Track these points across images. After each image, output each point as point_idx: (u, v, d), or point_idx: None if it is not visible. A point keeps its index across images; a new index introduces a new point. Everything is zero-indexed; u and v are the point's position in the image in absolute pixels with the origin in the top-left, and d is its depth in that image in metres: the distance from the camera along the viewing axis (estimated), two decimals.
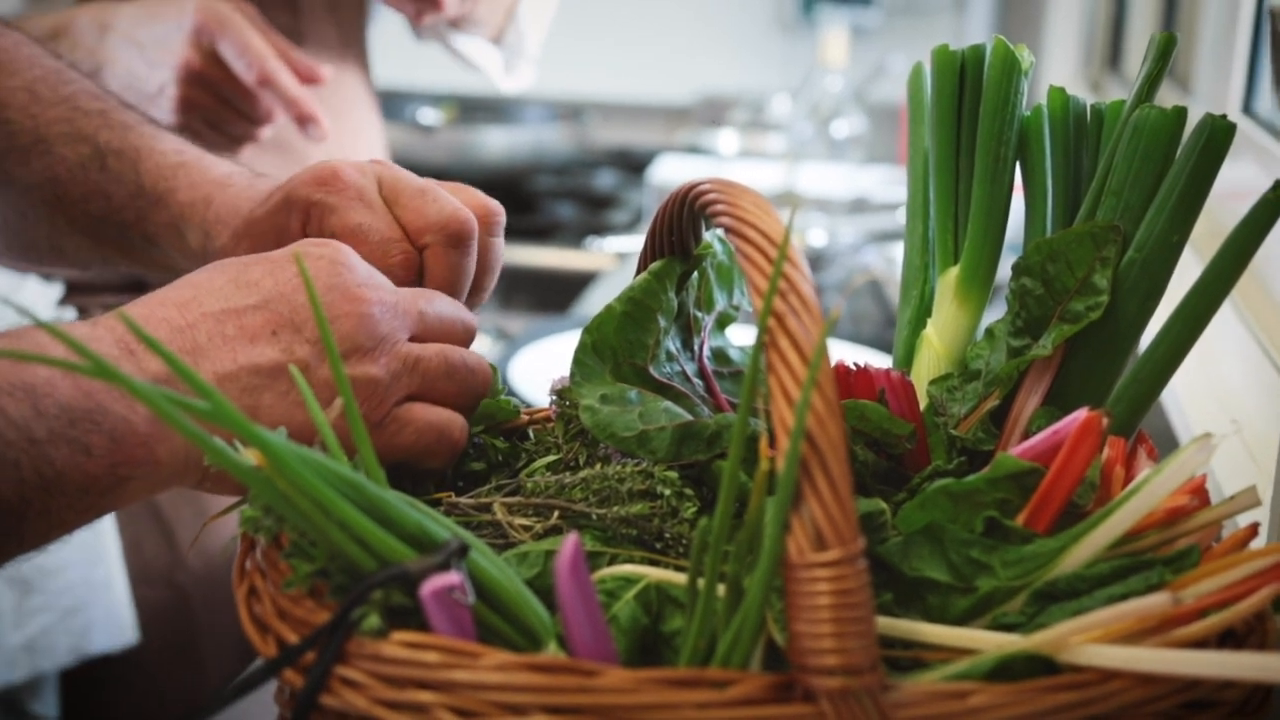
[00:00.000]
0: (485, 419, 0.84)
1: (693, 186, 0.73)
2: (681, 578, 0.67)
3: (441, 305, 0.82)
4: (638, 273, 0.83)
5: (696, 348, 0.85)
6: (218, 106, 1.38)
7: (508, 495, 0.78)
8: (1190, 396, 1.19)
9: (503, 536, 0.75)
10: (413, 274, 0.87)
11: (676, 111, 3.62)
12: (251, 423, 0.60)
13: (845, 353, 1.28)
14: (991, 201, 0.83)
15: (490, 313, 2.45)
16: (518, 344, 1.81)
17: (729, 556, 0.60)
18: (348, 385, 0.66)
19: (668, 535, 0.73)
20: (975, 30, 3.42)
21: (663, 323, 0.81)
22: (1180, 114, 0.77)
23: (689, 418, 0.77)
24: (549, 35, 1.74)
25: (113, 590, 1.41)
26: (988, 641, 0.62)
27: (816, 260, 2.36)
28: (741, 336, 0.89)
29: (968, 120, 0.85)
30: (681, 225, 0.81)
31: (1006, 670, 0.60)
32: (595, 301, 2.24)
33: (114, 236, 1.00)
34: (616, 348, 0.79)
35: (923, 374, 0.84)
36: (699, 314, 0.85)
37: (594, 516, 0.74)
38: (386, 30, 1.80)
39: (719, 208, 0.67)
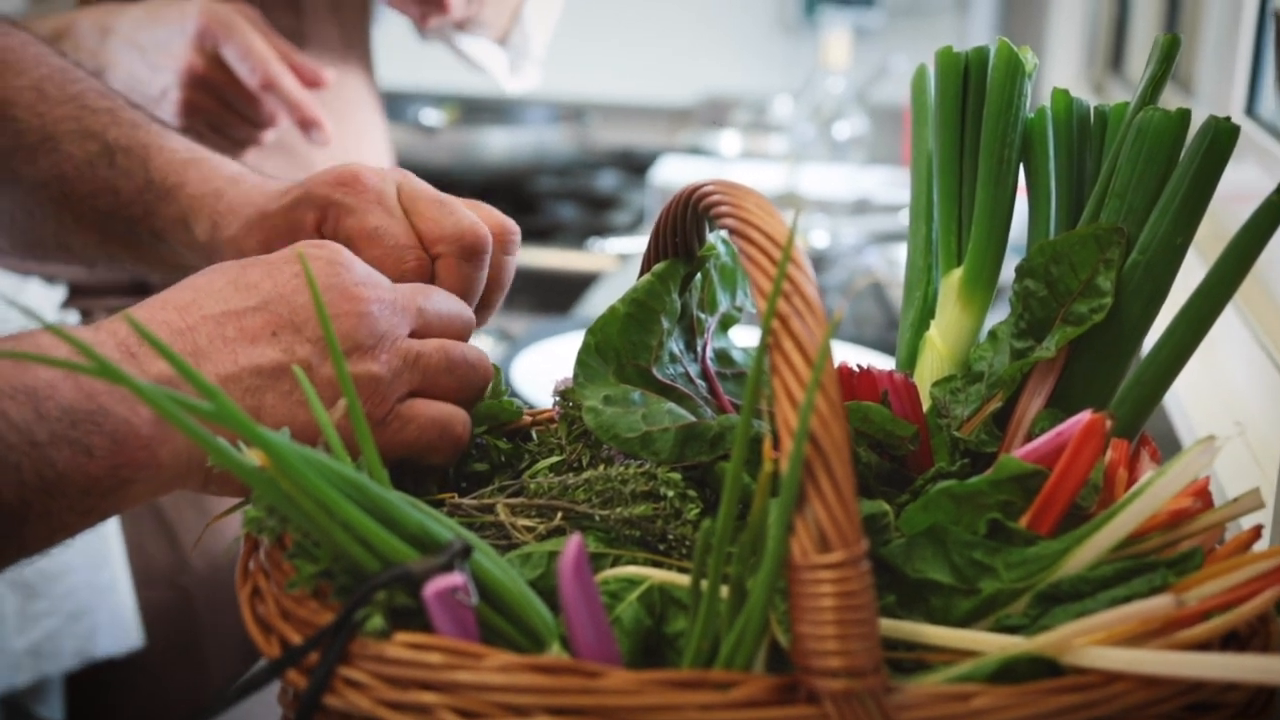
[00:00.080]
0: (488, 420, 0.84)
1: (696, 188, 0.73)
2: (685, 579, 0.67)
3: (439, 300, 0.82)
4: (641, 274, 0.83)
5: (700, 349, 0.85)
6: (220, 110, 1.38)
7: (511, 496, 0.78)
8: (1193, 399, 1.19)
9: (506, 537, 0.75)
10: (424, 281, 0.87)
11: (678, 113, 3.62)
12: (255, 423, 0.60)
13: (848, 354, 1.28)
14: (995, 203, 0.83)
15: None
16: (520, 345, 1.81)
17: (732, 558, 0.60)
18: (351, 384, 0.66)
19: (671, 537, 0.73)
20: (977, 31, 3.42)
21: (666, 324, 0.81)
22: (1184, 116, 0.77)
23: (692, 419, 0.77)
24: (552, 36, 1.74)
25: (117, 593, 1.41)
26: (991, 643, 0.62)
27: (818, 261, 2.36)
28: (745, 338, 0.89)
29: (971, 122, 0.85)
30: (685, 227, 0.81)
31: (1010, 672, 0.60)
32: (597, 302, 2.24)
33: (121, 232, 1.00)
34: (620, 349, 0.79)
35: (926, 376, 0.84)
36: (702, 315, 0.85)
37: (597, 518, 0.74)
38: (389, 31, 1.80)
39: (723, 209, 0.67)
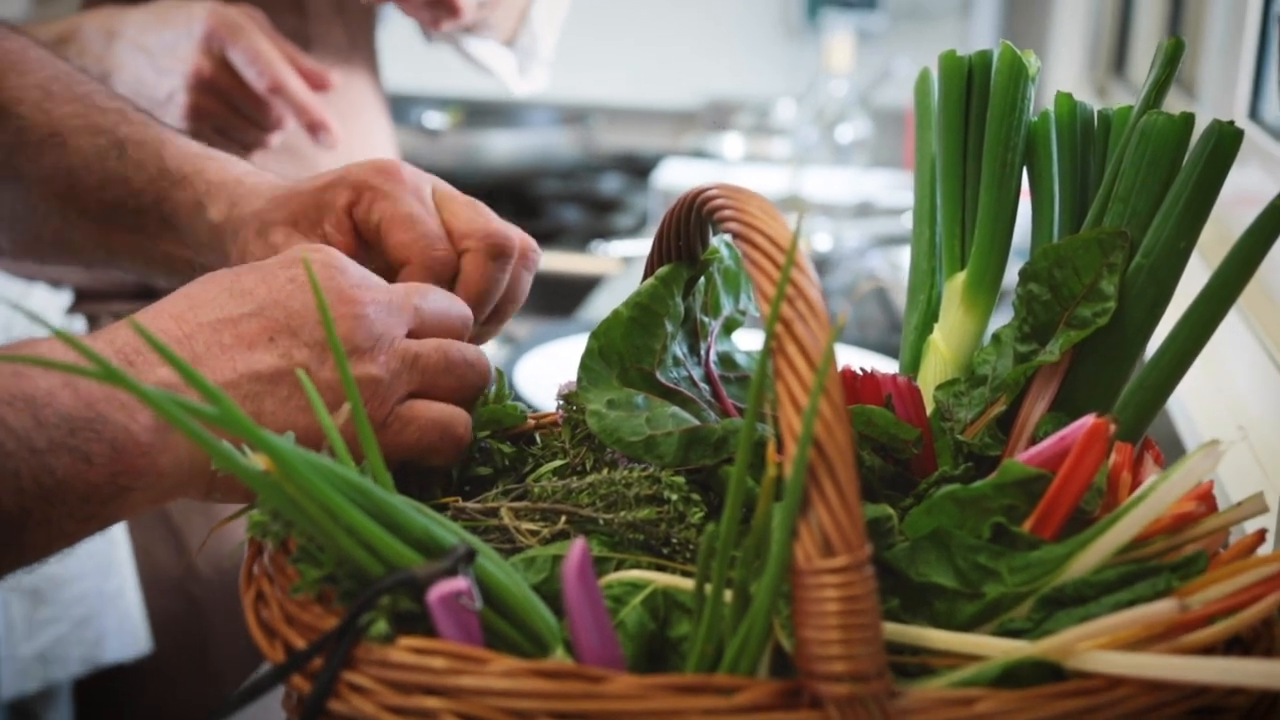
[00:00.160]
0: (492, 424, 0.84)
1: (700, 192, 0.73)
2: (688, 583, 0.67)
3: (436, 299, 0.82)
4: (644, 278, 0.83)
5: (703, 353, 0.85)
6: (228, 113, 1.38)
7: (515, 500, 0.78)
8: (1197, 403, 1.19)
9: (509, 541, 0.75)
10: (450, 273, 0.89)
11: (682, 116, 3.62)
12: (258, 428, 0.60)
13: (851, 357, 1.28)
14: (998, 207, 0.83)
15: None
16: (523, 348, 1.81)
17: (736, 562, 0.60)
18: (354, 387, 0.66)
19: (675, 540, 0.73)
20: (980, 35, 3.42)
21: (669, 328, 0.81)
22: (1188, 120, 0.77)
23: (696, 423, 0.77)
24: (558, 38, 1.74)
25: (125, 599, 1.41)
26: (995, 647, 0.62)
27: (821, 265, 2.36)
28: (748, 341, 0.89)
29: (975, 126, 0.85)
30: (689, 231, 0.81)
31: (1013, 676, 0.60)
32: (600, 305, 2.24)
33: (126, 224, 1.00)
34: (623, 353, 0.79)
35: (929, 379, 0.84)
36: (705, 319, 0.85)
37: (601, 521, 0.74)
38: (393, 34, 1.80)
39: (726, 213, 0.67)
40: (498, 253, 0.90)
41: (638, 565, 0.72)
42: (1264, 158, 1.31)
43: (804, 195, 2.61)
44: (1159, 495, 0.65)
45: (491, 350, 2.05)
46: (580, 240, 2.76)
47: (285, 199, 0.93)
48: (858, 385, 0.79)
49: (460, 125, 3.23)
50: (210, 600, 1.48)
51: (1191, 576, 0.63)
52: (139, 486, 0.71)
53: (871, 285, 2.21)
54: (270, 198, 0.94)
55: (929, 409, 0.81)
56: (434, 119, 3.22)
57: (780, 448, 0.58)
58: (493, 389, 0.86)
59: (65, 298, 1.50)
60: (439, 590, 0.60)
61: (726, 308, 0.87)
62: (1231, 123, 0.75)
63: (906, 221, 2.60)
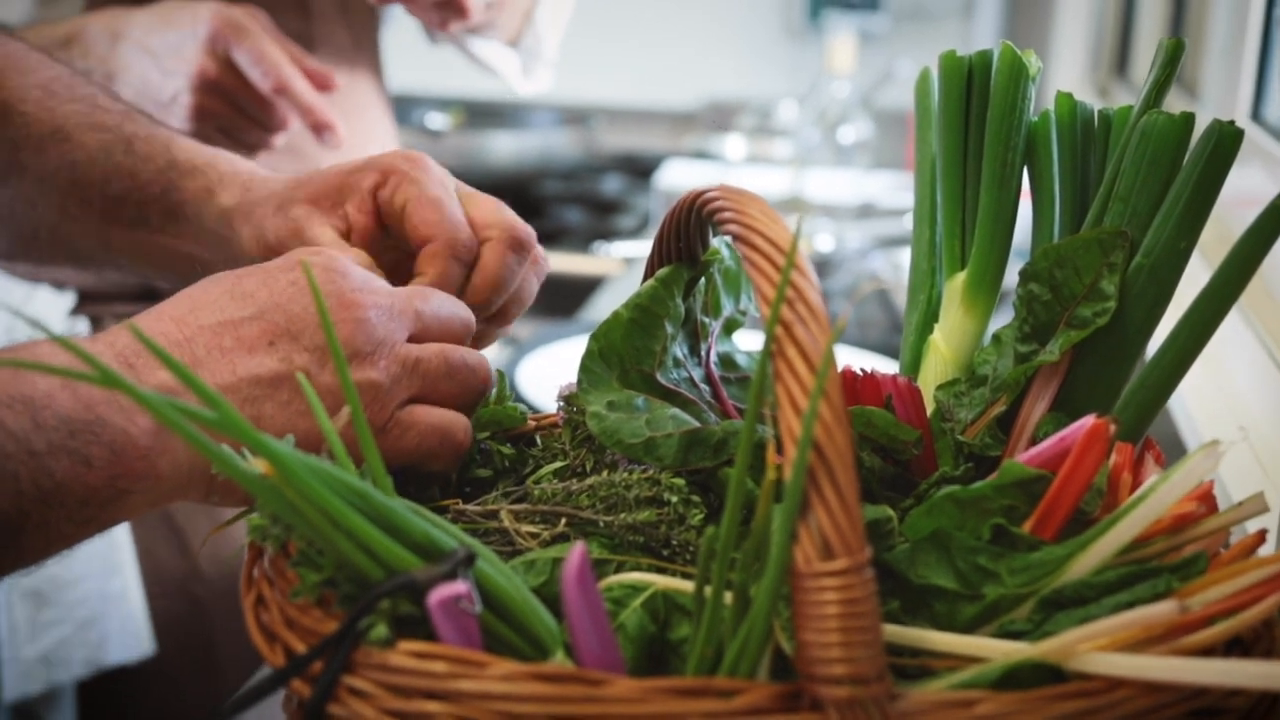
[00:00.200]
0: (492, 425, 0.84)
1: (700, 194, 0.73)
2: (689, 585, 0.67)
3: (439, 303, 0.82)
4: (645, 279, 0.83)
5: (704, 353, 0.85)
6: (232, 114, 1.39)
7: (515, 502, 0.78)
8: (1198, 403, 1.19)
9: (510, 544, 0.75)
10: (470, 258, 0.90)
11: (683, 117, 3.62)
12: (258, 432, 0.60)
13: (852, 358, 1.29)
14: (999, 207, 0.83)
15: None
16: (525, 349, 1.81)
17: (736, 564, 0.60)
18: (354, 392, 0.66)
19: (675, 542, 0.73)
20: (983, 36, 3.42)
21: (670, 329, 0.81)
22: (1188, 120, 0.77)
23: (696, 424, 0.77)
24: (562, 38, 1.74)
25: (128, 601, 1.41)
26: (995, 649, 0.62)
27: (823, 266, 2.36)
28: (749, 341, 0.89)
29: (975, 126, 0.84)
30: (689, 232, 0.81)
31: (1014, 678, 0.60)
32: (602, 306, 2.24)
33: (129, 217, 1.00)
34: (623, 354, 0.79)
35: (930, 379, 0.84)
36: (706, 319, 0.85)
37: (601, 524, 0.74)
38: (395, 35, 1.80)
39: (726, 215, 0.67)
40: (518, 245, 0.91)
41: (638, 567, 0.72)
42: (1266, 158, 1.31)
43: (806, 196, 2.61)
44: (1159, 496, 0.65)
45: (493, 351, 2.05)
46: (582, 241, 2.76)
47: (306, 180, 0.94)
48: (858, 386, 0.79)
49: (462, 126, 3.23)
50: (214, 601, 1.48)
51: (1192, 577, 0.63)
52: (138, 490, 0.71)
53: (873, 286, 2.21)
54: (288, 181, 0.95)
55: (929, 409, 0.81)
56: (436, 120, 3.22)
57: (780, 449, 0.58)
58: (493, 390, 0.86)
59: (69, 299, 1.50)
60: (439, 594, 0.60)
61: (727, 308, 0.87)
62: (1232, 122, 0.75)
63: (908, 223, 2.59)
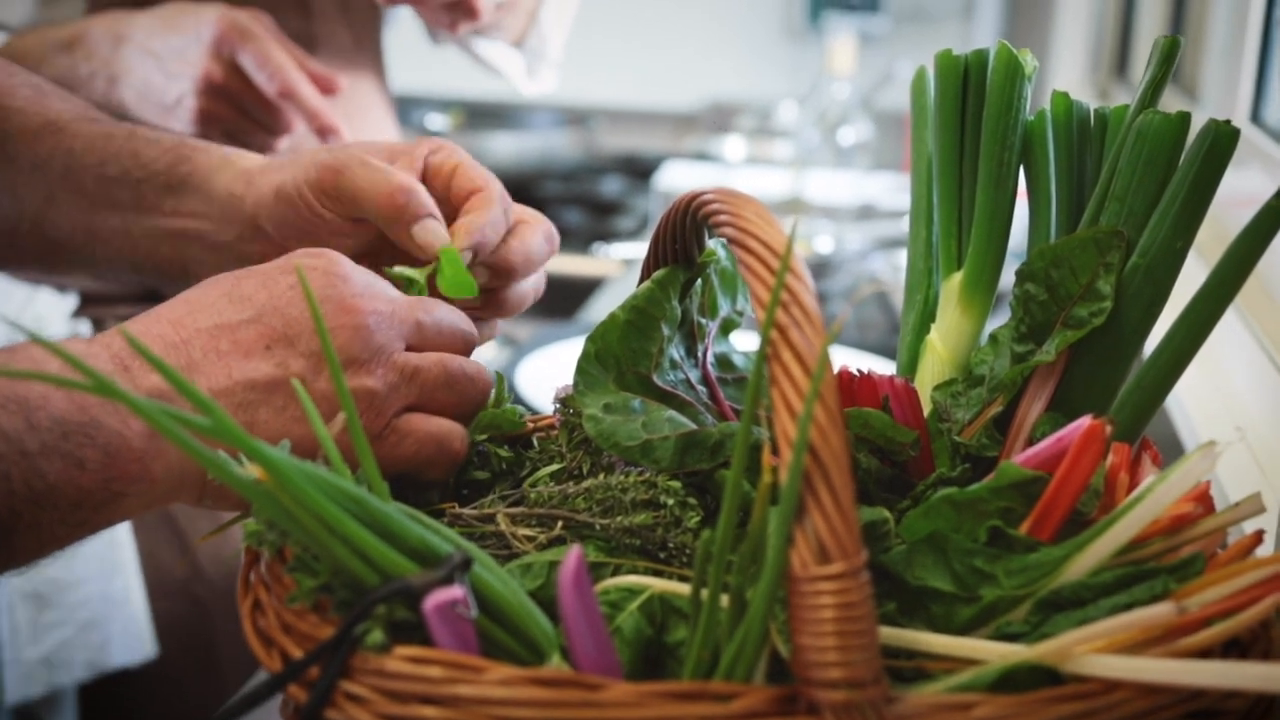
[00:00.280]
0: (491, 427, 0.84)
1: (696, 196, 0.73)
2: (685, 588, 0.66)
3: (441, 314, 0.82)
4: (641, 281, 0.83)
5: (700, 354, 0.85)
6: (237, 118, 1.39)
7: (511, 505, 0.78)
8: (1194, 403, 1.19)
9: (506, 547, 0.75)
10: (506, 225, 0.93)
11: (683, 118, 3.62)
12: (251, 438, 0.60)
13: (851, 359, 1.28)
14: (995, 207, 0.83)
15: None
16: (524, 350, 1.81)
17: (732, 567, 0.60)
18: (349, 398, 0.66)
19: (671, 545, 0.73)
20: (983, 37, 3.42)
21: (666, 331, 0.81)
22: (1184, 120, 0.77)
23: (692, 426, 0.77)
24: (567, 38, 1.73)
25: (130, 603, 1.41)
26: (992, 651, 0.62)
27: (823, 267, 2.36)
28: (746, 342, 0.89)
29: (971, 125, 0.84)
30: (685, 234, 0.81)
31: (1010, 681, 0.60)
32: (602, 307, 2.24)
33: (124, 197, 0.99)
34: (620, 356, 0.79)
35: (927, 380, 0.84)
36: (703, 320, 0.85)
37: (597, 526, 0.74)
38: (396, 35, 1.80)
39: (722, 218, 0.67)
40: (550, 236, 0.95)
41: (634, 570, 0.72)
42: (1265, 160, 1.31)
43: (806, 198, 2.61)
44: (1156, 496, 0.65)
45: (492, 353, 2.05)
46: (582, 242, 2.77)
47: (349, 145, 0.94)
48: (854, 387, 0.79)
49: (462, 127, 3.23)
50: (216, 604, 1.48)
51: (1189, 578, 0.63)
52: (131, 492, 0.70)
53: (872, 289, 2.21)
54: (327, 148, 0.96)
55: (926, 410, 0.81)
56: (436, 121, 3.22)
57: (776, 450, 0.58)
58: (493, 393, 0.86)
59: (71, 302, 1.50)
60: (435, 599, 0.60)
61: (723, 309, 0.87)
62: (1228, 122, 0.75)
63: (907, 224, 2.60)
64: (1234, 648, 0.64)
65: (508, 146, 3.03)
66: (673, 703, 0.56)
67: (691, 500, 0.74)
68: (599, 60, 3.56)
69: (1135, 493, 0.67)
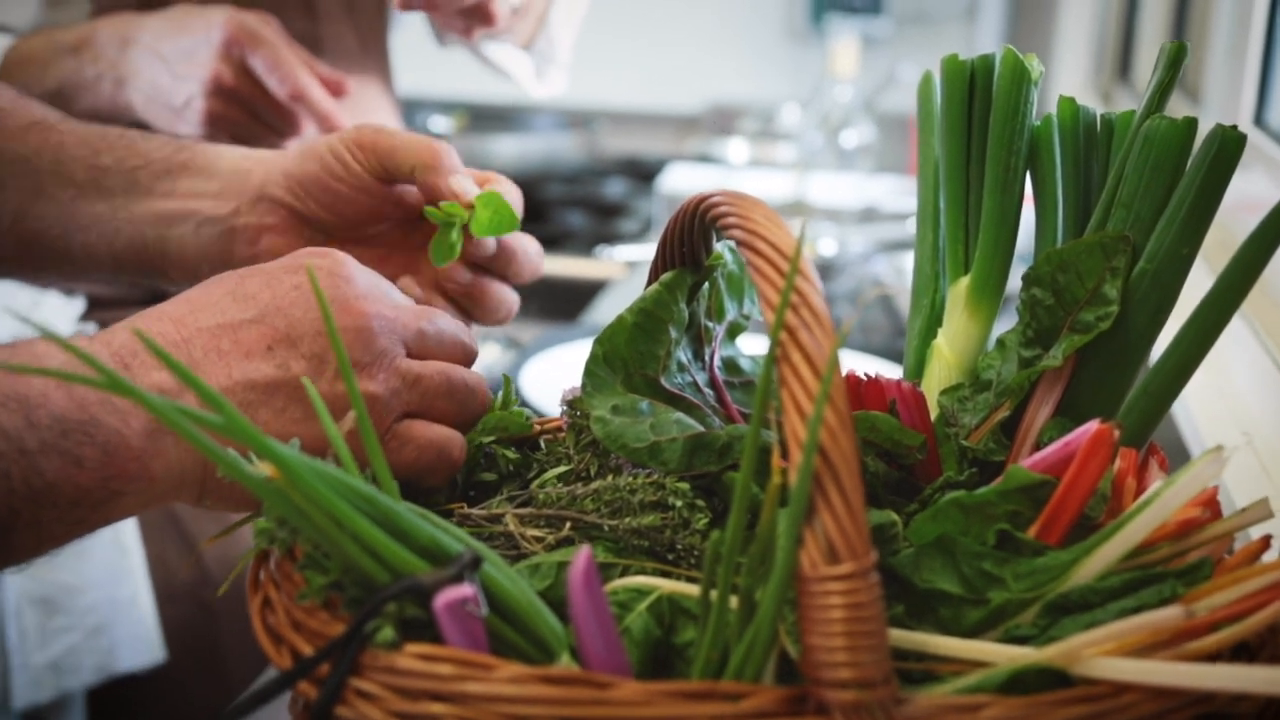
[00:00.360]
0: (497, 429, 0.84)
1: (704, 199, 0.73)
2: (693, 589, 0.67)
3: (444, 324, 0.82)
4: (649, 283, 0.83)
5: (708, 358, 0.85)
6: (246, 120, 1.39)
7: (519, 506, 0.78)
8: (1201, 408, 1.19)
9: (514, 547, 0.75)
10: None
11: (686, 120, 3.62)
12: (264, 436, 0.60)
13: (855, 362, 1.29)
14: (1002, 211, 0.83)
15: None
16: (527, 353, 1.81)
17: (741, 568, 0.60)
18: (360, 398, 0.66)
19: (679, 546, 0.73)
20: (985, 39, 3.42)
21: (674, 333, 0.81)
22: (1190, 125, 0.77)
23: (700, 429, 0.77)
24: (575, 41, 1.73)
25: (138, 608, 1.41)
26: (1000, 654, 0.62)
27: (826, 270, 2.36)
28: (752, 346, 0.89)
29: (978, 130, 0.85)
30: (692, 237, 0.81)
31: (1019, 683, 0.60)
32: (605, 310, 2.24)
33: (115, 183, 1.00)
34: (628, 359, 0.79)
35: (933, 384, 0.84)
36: (710, 324, 0.85)
37: (605, 528, 0.74)
38: (401, 38, 1.80)
39: (730, 220, 0.67)
40: (539, 250, 1.02)
41: (642, 571, 0.72)
42: (1268, 163, 1.31)
43: (809, 200, 2.61)
44: (1164, 501, 0.65)
45: (496, 355, 2.05)
46: (585, 245, 2.77)
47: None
48: (862, 390, 0.79)
49: (465, 129, 3.23)
50: (224, 608, 1.48)
51: (1197, 583, 0.63)
52: (130, 491, 0.70)
53: (878, 292, 2.21)
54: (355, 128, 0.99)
55: (933, 414, 0.81)
56: (439, 123, 3.22)
57: (785, 454, 0.58)
58: (499, 394, 0.86)
59: (78, 305, 1.50)
60: (445, 597, 0.60)
61: (730, 312, 0.87)
62: (1234, 127, 0.75)
63: (911, 226, 2.60)
64: (1243, 651, 0.64)
65: (511, 149, 3.03)
66: (682, 702, 0.57)
67: (699, 502, 0.74)
68: (602, 63, 3.56)
69: (1143, 497, 0.67)
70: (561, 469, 0.82)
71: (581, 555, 0.60)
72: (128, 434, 0.70)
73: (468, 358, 0.84)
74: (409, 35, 1.82)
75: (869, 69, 2.93)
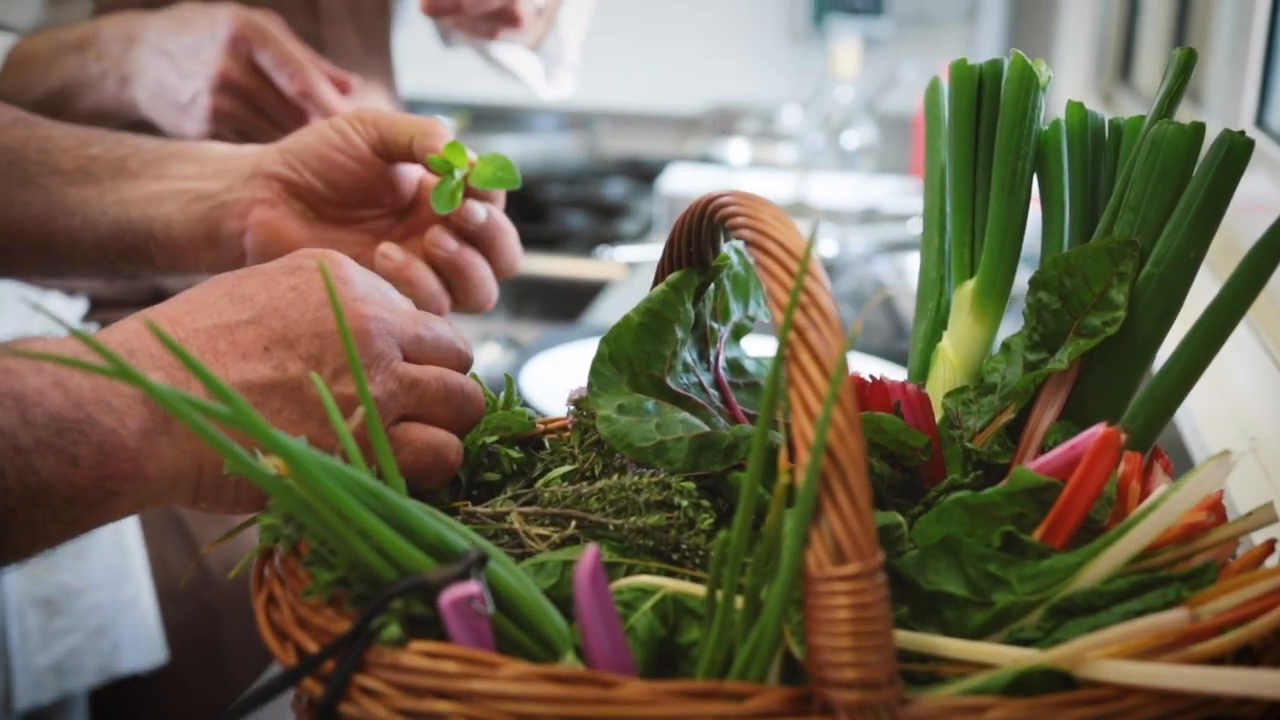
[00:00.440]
0: (500, 429, 0.84)
1: (712, 199, 0.73)
2: (698, 589, 0.67)
3: (440, 330, 0.82)
4: (655, 284, 0.83)
5: (713, 359, 0.85)
6: (252, 116, 1.38)
7: (524, 505, 0.78)
8: (1205, 413, 1.19)
9: (519, 546, 0.75)
10: None
11: (687, 121, 3.62)
12: (272, 429, 0.60)
13: (856, 363, 1.29)
14: (1009, 215, 0.83)
15: (501, 322, 2.46)
16: (528, 353, 1.81)
17: (747, 568, 0.60)
18: (370, 399, 0.66)
19: (684, 546, 0.73)
20: (986, 41, 3.42)
21: (680, 334, 0.81)
22: (1198, 130, 0.77)
23: (706, 428, 0.77)
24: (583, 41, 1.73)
25: (140, 609, 1.41)
26: (1005, 656, 0.62)
27: (827, 270, 2.36)
28: (757, 347, 0.89)
29: (985, 134, 0.85)
30: (700, 237, 0.81)
31: (1024, 685, 0.60)
32: (606, 311, 2.24)
33: (103, 169, 1.00)
34: (634, 358, 0.79)
35: (938, 387, 0.84)
36: (715, 325, 0.86)
37: (610, 527, 0.74)
38: (403, 38, 1.80)
39: (739, 220, 0.67)
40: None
41: (647, 571, 0.72)
42: (1270, 165, 1.31)
43: (810, 201, 2.62)
44: (1170, 505, 0.65)
45: (497, 355, 2.05)
46: (585, 245, 2.77)
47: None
48: (867, 392, 0.79)
49: (466, 130, 3.23)
50: (226, 609, 1.48)
51: (1201, 586, 0.64)
52: (125, 491, 0.70)
53: (884, 295, 2.21)
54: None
55: (938, 416, 0.81)
56: None
57: (792, 454, 0.58)
58: (501, 394, 0.86)
59: (80, 306, 1.50)
60: (451, 595, 0.60)
61: (735, 314, 0.87)
62: (1242, 132, 0.75)
63: (912, 227, 2.61)
64: (1246, 655, 0.64)
65: (512, 149, 3.03)
66: (687, 701, 0.57)
67: (704, 502, 0.74)
68: (603, 63, 3.55)
69: (1148, 501, 0.67)
70: (566, 468, 0.82)
71: (588, 554, 0.60)
72: (123, 434, 0.69)
73: (463, 364, 0.84)
74: (412, 36, 1.82)
75: (870, 70, 2.94)
